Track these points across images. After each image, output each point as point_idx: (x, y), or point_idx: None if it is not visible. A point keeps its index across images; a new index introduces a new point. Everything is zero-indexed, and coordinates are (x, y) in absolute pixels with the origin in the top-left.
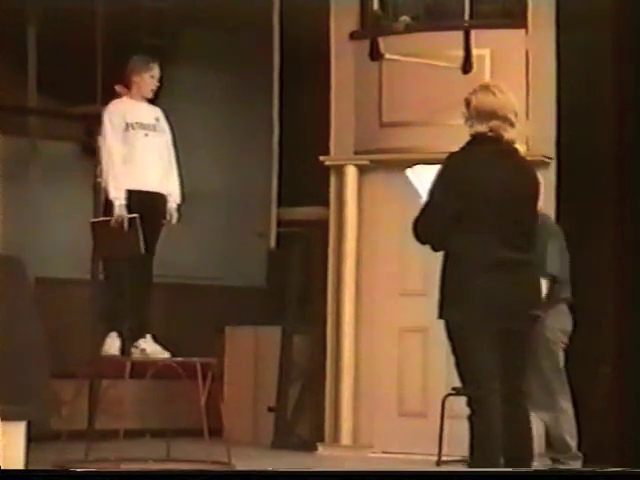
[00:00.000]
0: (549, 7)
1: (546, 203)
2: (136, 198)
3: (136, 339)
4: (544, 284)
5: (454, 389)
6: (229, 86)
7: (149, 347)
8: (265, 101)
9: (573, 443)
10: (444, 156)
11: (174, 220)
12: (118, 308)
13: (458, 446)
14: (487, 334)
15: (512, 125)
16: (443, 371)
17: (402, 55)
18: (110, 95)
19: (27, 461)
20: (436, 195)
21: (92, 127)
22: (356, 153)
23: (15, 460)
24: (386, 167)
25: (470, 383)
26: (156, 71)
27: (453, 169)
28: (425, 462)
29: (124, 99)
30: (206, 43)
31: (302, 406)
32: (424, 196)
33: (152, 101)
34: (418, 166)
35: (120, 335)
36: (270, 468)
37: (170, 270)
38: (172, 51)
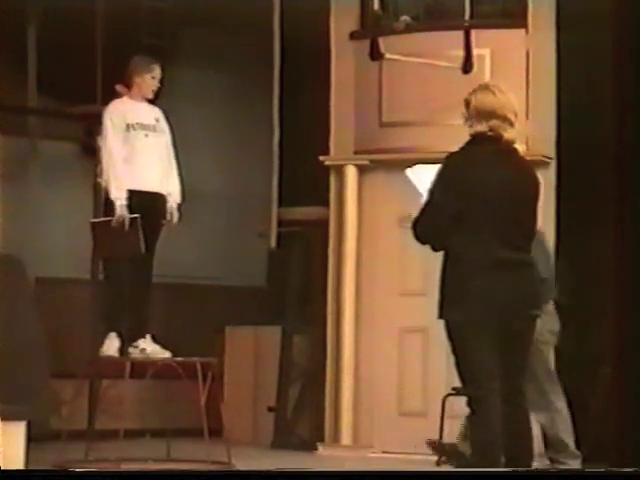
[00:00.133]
0: (549, 7)
1: (546, 203)
2: (136, 198)
3: (136, 339)
4: None
5: (454, 389)
6: (229, 86)
7: (149, 347)
8: (265, 101)
9: (570, 442)
10: (444, 156)
11: (175, 220)
12: (118, 308)
13: None
14: (487, 334)
15: (512, 125)
16: (443, 371)
17: (402, 55)
18: (110, 95)
19: (27, 461)
20: (436, 195)
21: (92, 127)
22: (356, 153)
23: (15, 460)
24: (386, 167)
25: (470, 383)
26: (157, 72)
27: (453, 169)
28: (425, 462)
29: (124, 99)
30: (206, 43)
31: (302, 406)
32: (424, 196)
33: (152, 101)
34: (418, 166)
35: (120, 335)
36: (270, 468)
37: (170, 270)
38: (172, 51)
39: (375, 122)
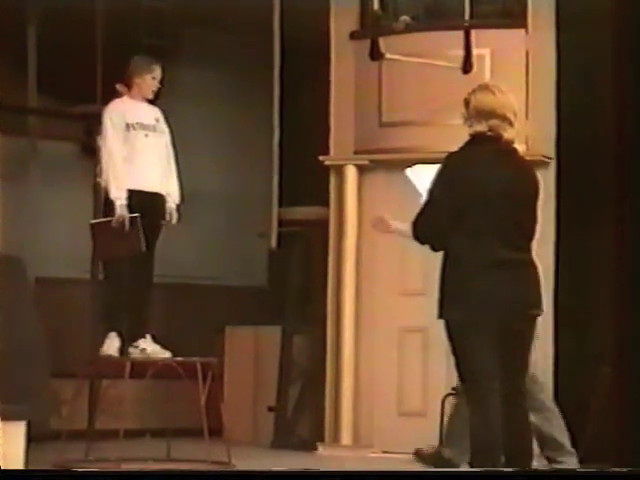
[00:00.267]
0: (549, 7)
1: (546, 203)
2: (136, 198)
3: (136, 339)
4: None
5: (454, 389)
6: (229, 86)
7: (149, 347)
8: (265, 101)
9: (566, 440)
10: (444, 156)
11: (174, 220)
12: (118, 308)
13: None
14: (487, 334)
15: (511, 124)
16: (443, 371)
17: (402, 55)
18: (110, 95)
19: (27, 461)
20: (435, 194)
21: (92, 127)
22: (356, 153)
23: (15, 460)
24: (386, 167)
25: (470, 383)
26: (158, 72)
27: (452, 169)
28: None
29: (124, 99)
30: (206, 43)
31: (302, 406)
32: (424, 196)
33: (152, 101)
34: (417, 166)
35: (120, 335)
36: (270, 468)
37: (170, 270)
38: (172, 51)
39: (375, 122)
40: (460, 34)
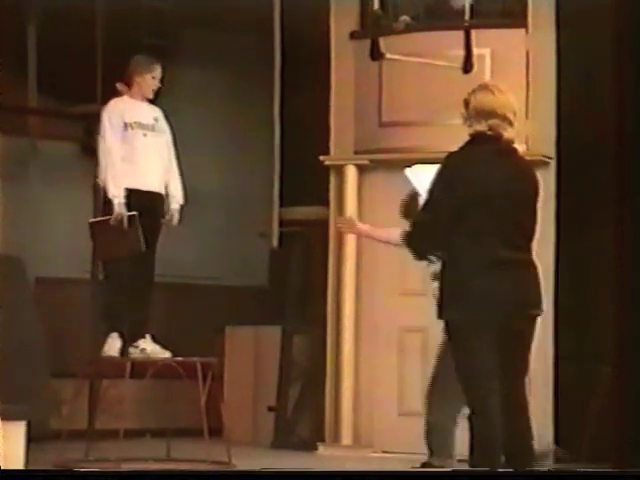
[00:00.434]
0: (549, 7)
1: (546, 203)
2: (135, 197)
3: (136, 339)
4: None
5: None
6: (229, 86)
7: (149, 347)
8: (265, 101)
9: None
10: (444, 156)
11: (175, 221)
12: (118, 308)
13: (458, 446)
14: (487, 334)
15: (511, 124)
16: None
17: (402, 55)
18: (110, 95)
19: (27, 461)
20: (435, 194)
21: (92, 127)
22: (356, 153)
23: (15, 460)
24: (386, 167)
25: (470, 383)
26: (158, 72)
27: (452, 168)
28: None
29: (124, 98)
30: (206, 43)
31: (302, 406)
32: (423, 195)
33: (152, 101)
34: (417, 166)
35: (121, 335)
36: (270, 468)
37: (170, 270)
38: (172, 51)
39: (375, 122)
40: (460, 34)
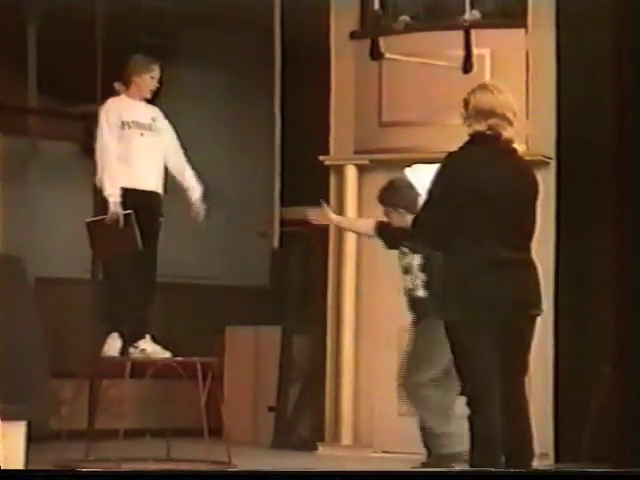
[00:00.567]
0: (549, 7)
1: (546, 203)
2: (131, 197)
3: (136, 339)
4: None
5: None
6: (230, 86)
7: (149, 347)
8: (265, 101)
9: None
10: (444, 156)
11: (201, 217)
12: (119, 308)
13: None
14: (487, 334)
15: (510, 124)
16: None
17: (402, 55)
18: (110, 95)
19: (27, 461)
20: (435, 194)
21: (92, 127)
22: (356, 153)
23: (15, 460)
24: (386, 167)
25: (470, 383)
26: (156, 72)
27: (452, 168)
28: None
29: (122, 97)
30: (206, 43)
31: (302, 406)
32: (423, 195)
33: (152, 101)
34: (417, 166)
35: (122, 336)
36: (270, 468)
37: (170, 270)
38: (172, 51)
39: (375, 122)
40: (460, 34)
